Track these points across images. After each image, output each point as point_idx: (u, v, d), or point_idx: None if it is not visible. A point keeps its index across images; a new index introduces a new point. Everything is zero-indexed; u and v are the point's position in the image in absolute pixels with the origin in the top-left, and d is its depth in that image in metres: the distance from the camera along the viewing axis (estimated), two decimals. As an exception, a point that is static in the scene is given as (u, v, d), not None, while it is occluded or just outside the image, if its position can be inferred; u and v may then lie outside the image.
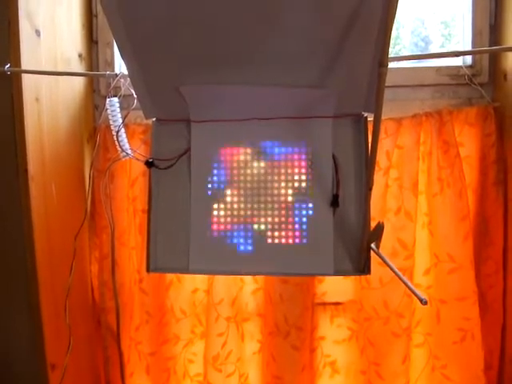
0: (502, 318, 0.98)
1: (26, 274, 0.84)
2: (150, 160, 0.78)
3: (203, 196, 0.77)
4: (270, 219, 0.76)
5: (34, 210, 0.83)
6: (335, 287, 1.02)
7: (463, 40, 1.04)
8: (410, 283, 0.59)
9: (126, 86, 0.89)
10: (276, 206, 0.76)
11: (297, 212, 0.75)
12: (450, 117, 0.94)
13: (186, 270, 0.77)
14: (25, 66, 0.80)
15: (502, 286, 0.97)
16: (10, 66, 0.79)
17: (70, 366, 0.91)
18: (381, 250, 0.69)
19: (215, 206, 0.77)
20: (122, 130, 0.90)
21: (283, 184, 0.76)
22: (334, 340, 1.03)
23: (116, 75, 0.86)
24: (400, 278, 0.60)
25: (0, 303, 0.87)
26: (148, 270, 0.78)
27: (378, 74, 0.56)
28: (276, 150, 0.76)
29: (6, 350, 0.87)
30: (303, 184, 0.76)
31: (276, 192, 0.76)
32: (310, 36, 0.63)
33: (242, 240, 0.76)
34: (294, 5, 0.60)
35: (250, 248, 0.76)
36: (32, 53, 0.83)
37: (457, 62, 1.01)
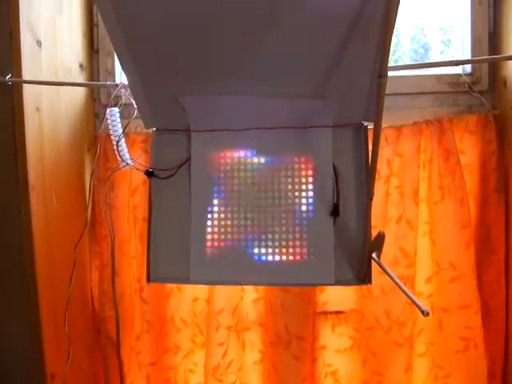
0: (504, 325, 0.97)
1: (25, 283, 0.84)
2: (150, 170, 0.78)
3: (203, 206, 0.77)
4: (270, 229, 0.76)
5: (34, 219, 0.83)
6: (336, 296, 1.01)
7: (462, 47, 1.04)
8: (411, 294, 0.58)
9: (127, 96, 0.89)
10: (276, 215, 0.76)
11: (297, 222, 0.75)
12: (451, 124, 0.94)
13: (186, 281, 0.77)
14: (26, 75, 0.81)
15: (504, 294, 0.97)
16: (11, 76, 0.79)
17: (70, 376, 0.90)
18: (382, 259, 0.69)
19: (215, 215, 0.77)
20: (123, 140, 0.90)
21: (283, 194, 0.76)
22: (335, 349, 1.03)
23: (116, 85, 0.86)
24: (402, 289, 0.60)
25: (-1, 313, 0.86)
26: (148, 280, 0.78)
27: (377, 85, 0.56)
28: (276, 159, 0.76)
29: (6, 359, 0.87)
30: (303, 193, 0.75)
31: (277, 202, 0.76)
32: (309, 46, 0.64)
33: (242, 250, 0.76)
34: (293, 14, 0.60)
35: (250, 258, 0.76)
36: (33, 63, 0.84)
37: (456, 69, 1.01)
